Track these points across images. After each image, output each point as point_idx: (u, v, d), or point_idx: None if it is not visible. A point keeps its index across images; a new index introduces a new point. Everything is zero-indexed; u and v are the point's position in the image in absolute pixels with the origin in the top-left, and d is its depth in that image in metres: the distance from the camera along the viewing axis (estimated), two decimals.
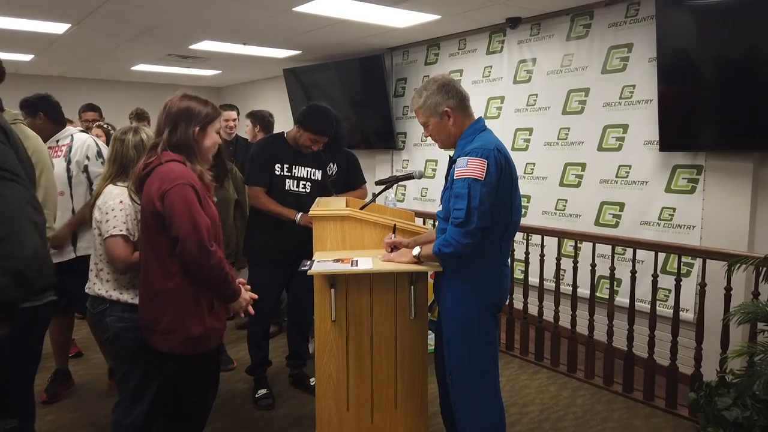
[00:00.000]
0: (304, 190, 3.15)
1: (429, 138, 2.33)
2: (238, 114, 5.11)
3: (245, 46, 5.89)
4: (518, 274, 4.39)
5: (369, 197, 3.01)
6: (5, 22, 4.83)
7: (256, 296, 2.15)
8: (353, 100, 6.43)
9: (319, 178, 3.22)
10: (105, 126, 4.18)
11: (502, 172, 2.10)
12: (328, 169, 3.49)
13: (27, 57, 6.72)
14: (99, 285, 2.28)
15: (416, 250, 2.24)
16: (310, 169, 3.18)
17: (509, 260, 2.34)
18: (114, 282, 2.24)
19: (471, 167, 2.06)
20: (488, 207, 2.06)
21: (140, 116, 5.17)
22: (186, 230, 1.84)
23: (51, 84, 8.06)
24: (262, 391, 3.22)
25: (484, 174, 2.05)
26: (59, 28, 5.09)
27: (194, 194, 1.88)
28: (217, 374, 2.23)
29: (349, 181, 3.50)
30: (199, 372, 2.02)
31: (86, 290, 2.33)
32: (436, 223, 2.34)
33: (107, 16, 4.65)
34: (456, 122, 2.22)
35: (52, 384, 3.27)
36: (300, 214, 3.02)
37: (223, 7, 4.38)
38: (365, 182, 3.63)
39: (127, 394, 2.22)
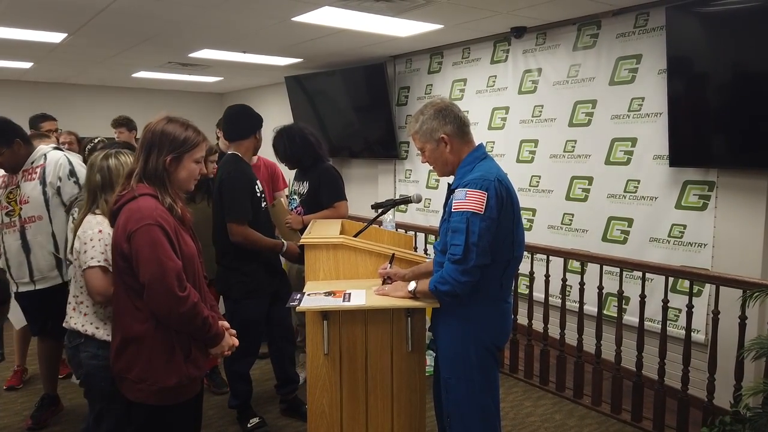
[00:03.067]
0: (266, 204, 3.08)
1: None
2: None
3: (245, 54, 5.79)
4: (523, 289, 4.27)
5: (347, 212, 2.91)
6: (1, 31, 4.75)
7: (237, 342, 2.01)
8: (356, 107, 6.32)
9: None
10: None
11: (503, 205, 1.96)
12: (299, 187, 3.41)
13: (27, 65, 6.66)
14: (75, 318, 2.18)
15: (412, 285, 2.12)
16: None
17: (511, 294, 2.20)
18: (92, 315, 2.13)
19: (469, 200, 1.93)
20: (488, 243, 1.93)
21: (119, 124, 4.82)
22: (151, 277, 1.69)
23: (52, 90, 8.00)
24: (255, 420, 3.08)
25: (483, 207, 1.92)
26: (56, 37, 5.01)
27: (163, 235, 1.72)
28: (199, 420, 2.09)
29: (319, 201, 3.32)
30: (173, 425, 1.86)
31: (63, 324, 2.21)
32: (433, 256, 2.20)
33: (103, 26, 4.56)
34: (453, 149, 2.09)
35: (38, 410, 3.17)
36: (286, 244, 2.97)
37: (220, 17, 4.28)
38: (339, 200, 3.32)
39: None
